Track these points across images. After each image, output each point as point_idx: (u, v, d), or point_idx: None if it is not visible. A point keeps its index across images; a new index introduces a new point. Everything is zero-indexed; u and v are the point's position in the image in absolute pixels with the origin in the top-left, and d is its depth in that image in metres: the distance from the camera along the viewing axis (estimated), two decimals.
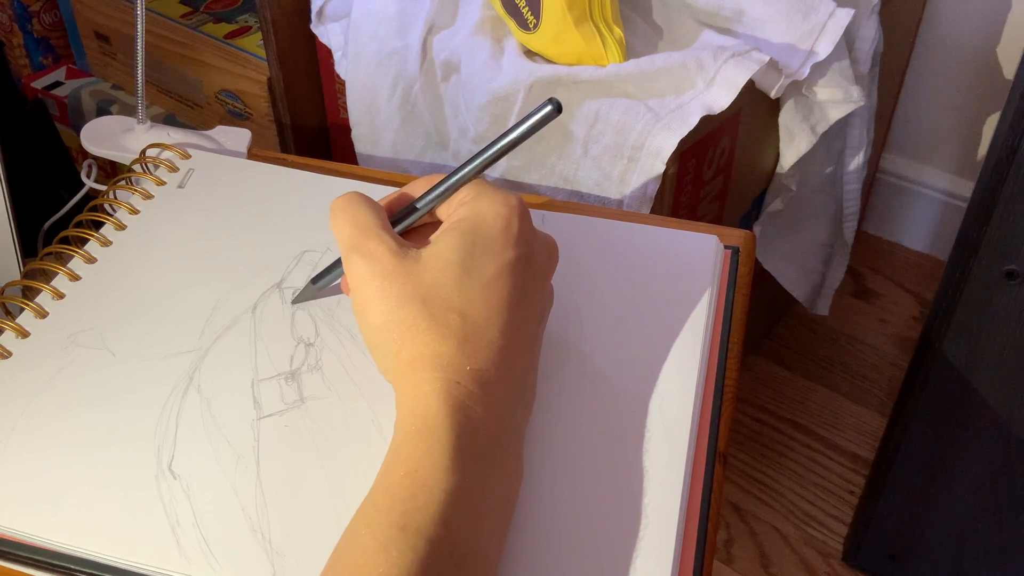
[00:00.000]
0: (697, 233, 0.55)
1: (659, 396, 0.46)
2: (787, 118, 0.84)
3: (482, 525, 0.37)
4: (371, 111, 0.89)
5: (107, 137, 0.66)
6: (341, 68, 0.93)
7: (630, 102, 0.73)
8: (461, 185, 0.44)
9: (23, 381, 0.47)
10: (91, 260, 0.53)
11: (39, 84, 1.22)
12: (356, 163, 0.94)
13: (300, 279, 0.52)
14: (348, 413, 0.45)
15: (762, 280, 0.99)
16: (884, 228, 1.39)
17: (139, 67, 0.64)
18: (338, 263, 0.49)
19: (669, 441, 0.44)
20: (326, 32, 0.94)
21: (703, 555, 0.41)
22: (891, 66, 1.09)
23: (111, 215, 0.56)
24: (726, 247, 0.54)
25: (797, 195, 0.92)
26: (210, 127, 0.68)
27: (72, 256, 0.53)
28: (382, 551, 0.34)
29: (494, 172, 0.79)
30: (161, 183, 0.58)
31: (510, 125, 0.44)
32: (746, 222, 0.93)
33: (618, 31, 0.75)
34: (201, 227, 0.56)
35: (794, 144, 0.85)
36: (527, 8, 0.75)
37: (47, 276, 0.52)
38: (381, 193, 0.47)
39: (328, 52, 0.96)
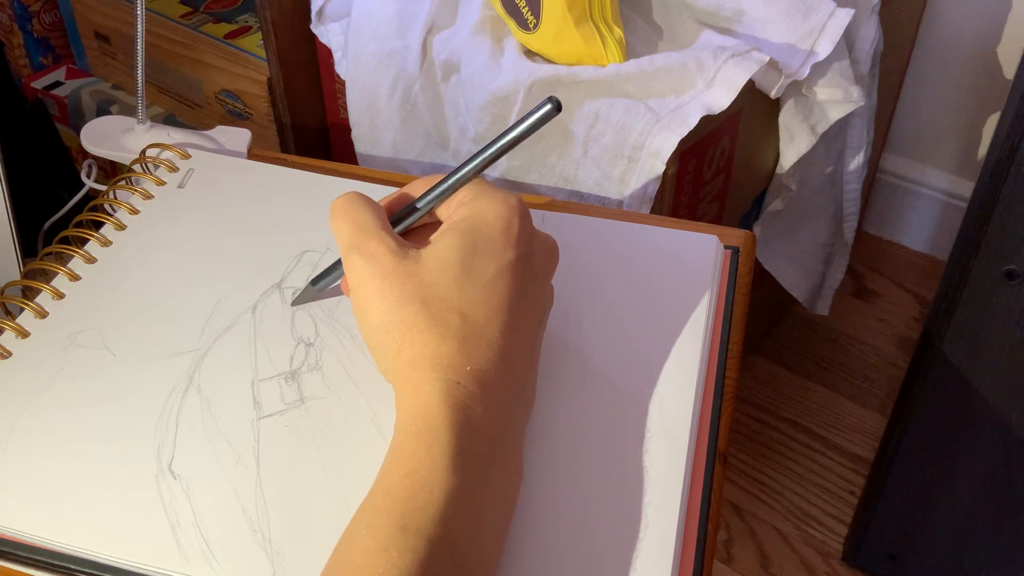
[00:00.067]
0: (697, 233, 0.55)
1: (659, 396, 0.46)
2: (787, 118, 0.84)
3: (482, 525, 0.37)
4: (371, 111, 0.89)
5: (107, 137, 0.66)
6: (341, 68, 0.93)
7: (630, 102, 0.73)
8: (461, 185, 0.44)
9: (23, 381, 0.47)
10: (91, 260, 0.53)
11: (39, 84, 1.22)
12: (356, 163, 0.94)
13: (300, 279, 0.52)
14: (348, 413, 0.45)
15: (762, 280, 0.99)
16: (884, 228, 1.39)
17: (139, 67, 0.64)
18: (338, 264, 0.49)
19: (669, 441, 0.44)
20: (326, 32, 0.94)
21: (703, 555, 0.41)
22: (891, 66, 1.09)
23: (111, 215, 0.56)
24: (726, 247, 0.54)
25: (797, 195, 0.92)
26: (210, 127, 0.68)
27: (72, 256, 0.53)
28: (382, 551, 0.34)
29: (494, 172, 0.79)
30: (161, 183, 0.58)
31: (510, 125, 0.44)
32: (746, 222, 0.93)
33: (618, 31, 0.75)
34: (201, 227, 0.56)
35: (794, 144, 0.85)
36: (527, 8, 0.75)
37: (47, 276, 0.52)
38: (381, 193, 0.47)
39: (328, 52, 0.96)
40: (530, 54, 0.79)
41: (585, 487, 0.42)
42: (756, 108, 0.81)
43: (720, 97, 0.72)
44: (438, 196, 0.44)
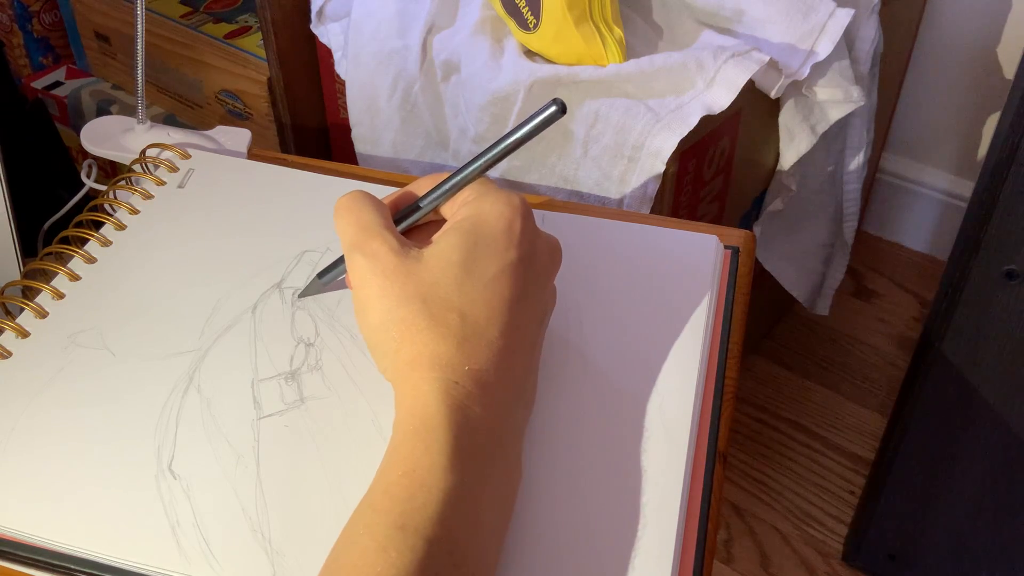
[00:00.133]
0: (697, 233, 0.55)
1: (659, 396, 0.46)
2: (787, 118, 0.84)
3: (481, 525, 0.37)
4: (371, 111, 0.89)
5: (107, 137, 0.66)
6: (341, 68, 0.93)
7: (630, 102, 0.73)
8: (465, 184, 0.44)
9: (23, 381, 0.47)
10: (91, 260, 0.53)
11: (39, 84, 1.22)
12: (356, 163, 0.94)
13: (300, 279, 0.52)
14: (348, 413, 0.45)
15: (762, 280, 0.99)
16: (884, 228, 1.39)
17: (139, 67, 0.64)
18: (342, 259, 0.49)
19: (669, 441, 0.44)
20: (326, 32, 0.94)
21: (703, 555, 0.41)
22: (891, 66, 1.09)
23: (111, 215, 0.56)
24: (726, 247, 0.54)
25: (797, 195, 0.92)
26: (210, 127, 0.68)
27: (72, 256, 0.53)
28: (381, 551, 0.34)
29: (494, 172, 0.79)
30: (161, 183, 0.58)
31: (510, 125, 0.44)
32: (746, 222, 0.93)
33: (618, 31, 0.75)
34: (201, 227, 0.56)
35: (794, 144, 0.85)
36: (527, 8, 0.75)
37: (47, 276, 0.52)
38: (382, 193, 0.47)
39: (328, 52, 0.96)
40: (530, 54, 0.79)
41: (585, 487, 0.42)
42: (756, 108, 0.81)
43: (720, 97, 0.72)
44: (441, 195, 0.44)
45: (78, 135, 0.66)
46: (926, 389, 0.82)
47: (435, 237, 0.42)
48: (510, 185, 0.78)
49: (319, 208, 0.55)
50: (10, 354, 0.48)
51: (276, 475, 0.43)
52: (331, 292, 0.51)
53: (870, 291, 1.33)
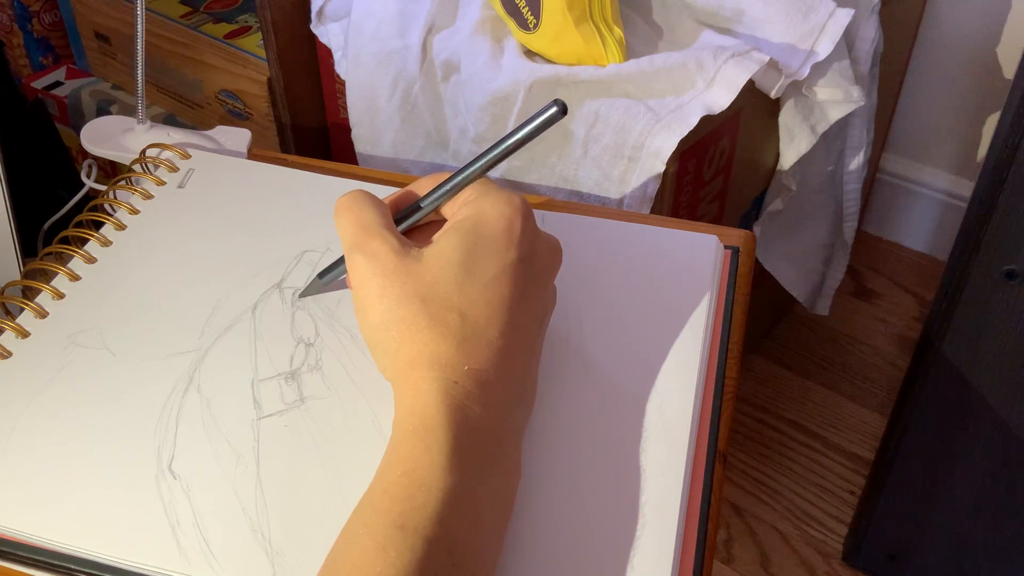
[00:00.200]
0: (697, 233, 0.55)
1: (659, 396, 0.46)
2: (787, 118, 0.84)
3: (480, 525, 0.37)
4: (371, 111, 0.89)
5: (107, 137, 0.66)
6: (341, 68, 0.93)
7: (630, 102, 0.73)
8: (466, 185, 0.44)
9: (23, 381, 0.47)
10: (91, 260, 0.53)
11: (39, 84, 1.22)
12: (356, 163, 0.94)
13: (300, 279, 0.52)
14: (348, 413, 0.45)
15: (762, 280, 0.99)
16: (884, 228, 1.39)
17: (139, 67, 0.64)
18: (343, 259, 0.49)
19: (669, 441, 0.44)
20: (326, 32, 0.94)
21: (703, 555, 0.41)
22: (891, 66, 1.09)
23: (111, 215, 0.56)
24: (726, 247, 0.54)
25: (797, 195, 0.92)
26: (210, 127, 0.68)
27: (72, 256, 0.53)
28: (380, 551, 0.34)
29: (494, 172, 0.79)
30: (161, 183, 0.58)
31: (510, 125, 0.44)
32: (746, 222, 0.93)
33: (618, 31, 0.75)
34: (201, 227, 0.56)
35: (794, 144, 0.85)
36: (527, 8, 0.75)
37: (47, 276, 0.52)
38: (381, 193, 0.47)
39: (328, 52, 0.96)
40: (530, 54, 0.79)
41: (584, 487, 0.42)
42: (756, 108, 0.81)
43: (720, 97, 0.72)
44: (442, 195, 0.44)
45: (78, 135, 0.66)
46: (926, 389, 0.82)
47: (435, 237, 0.42)
48: (510, 185, 0.78)
49: (319, 208, 0.55)
50: (10, 354, 0.48)
51: (276, 475, 0.43)
52: (331, 292, 0.51)
53: (870, 291, 1.33)
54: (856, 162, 0.93)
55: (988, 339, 0.76)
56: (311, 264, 0.53)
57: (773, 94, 0.78)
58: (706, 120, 0.72)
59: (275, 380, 0.47)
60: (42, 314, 0.50)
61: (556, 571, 0.40)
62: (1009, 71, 1.17)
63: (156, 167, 0.60)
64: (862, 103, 0.82)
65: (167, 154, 0.60)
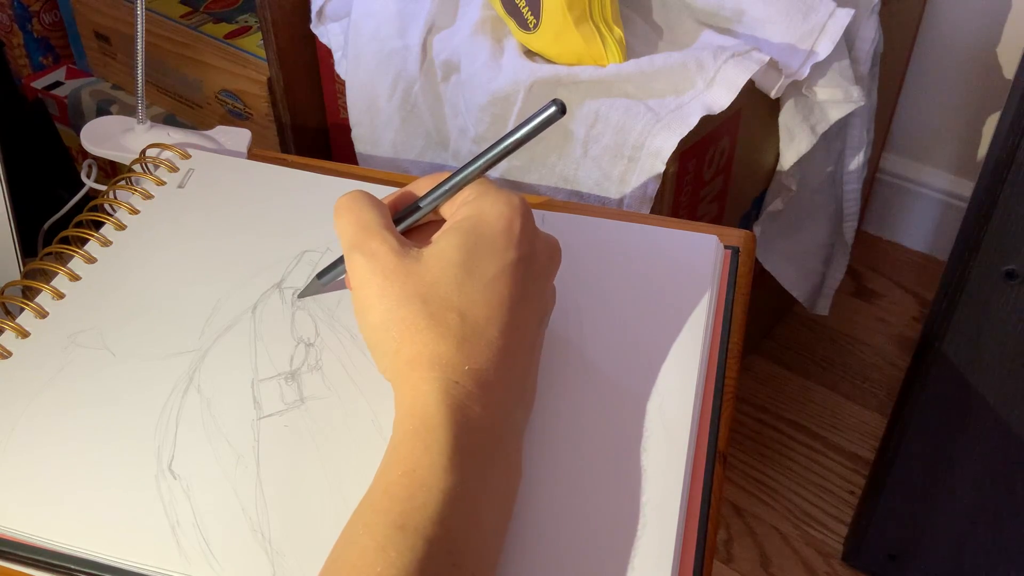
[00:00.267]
0: (697, 233, 0.55)
1: (659, 396, 0.46)
2: (787, 118, 0.84)
3: (481, 525, 0.37)
4: (371, 111, 0.89)
5: (107, 137, 0.66)
6: (341, 68, 0.93)
7: (630, 102, 0.73)
8: (465, 184, 0.44)
9: (23, 381, 0.47)
10: (91, 260, 0.53)
11: (39, 84, 1.22)
12: (356, 163, 0.94)
13: (300, 279, 0.52)
14: (348, 413, 0.45)
15: (762, 280, 0.99)
16: (884, 228, 1.39)
17: (139, 67, 0.64)
18: (342, 259, 0.49)
19: (669, 441, 0.44)
20: (326, 32, 0.94)
21: (703, 555, 0.41)
22: (891, 66, 1.09)
23: (111, 215, 0.56)
24: (726, 247, 0.54)
25: (797, 195, 0.92)
26: (210, 127, 0.68)
27: (72, 256, 0.53)
28: (380, 551, 0.34)
29: (494, 172, 0.79)
30: (161, 183, 0.58)
31: (510, 125, 0.44)
32: (746, 222, 0.93)
33: (618, 31, 0.75)
34: (201, 227, 0.56)
35: (794, 144, 0.85)
36: (527, 8, 0.75)
37: (47, 276, 0.52)
38: (382, 193, 0.47)
39: (328, 52, 0.96)
40: (530, 54, 0.79)
41: (585, 487, 0.42)
42: (756, 108, 0.81)
43: (720, 97, 0.72)
44: (441, 195, 0.44)
45: (78, 135, 0.66)
46: (926, 389, 0.82)
47: (435, 237, 0.42)
48: (510, 185, 0.78)
49: (319, 208, 0.55)
50: (10, 354, 0.48)
51: (276, 475, 0.43)
52: (331, 292, 0.51)
53: (870, 291, 1.33)
54: (856, 162, 0.93)
55: (988, 339, 0.76)
56: (311, 264, 0.53)
57: (773, 94, 0.78)
58: (706, 120, 0.72)
59: (275, 380, 0.47)
60: (42, 314, 0.50)
61: (556, 571, 0.40)
62: (1009, 71, 1.17)
63: (156, 167, 0.60)
64: (862, 103, 0.82)
65: (167, 154, 0.60)
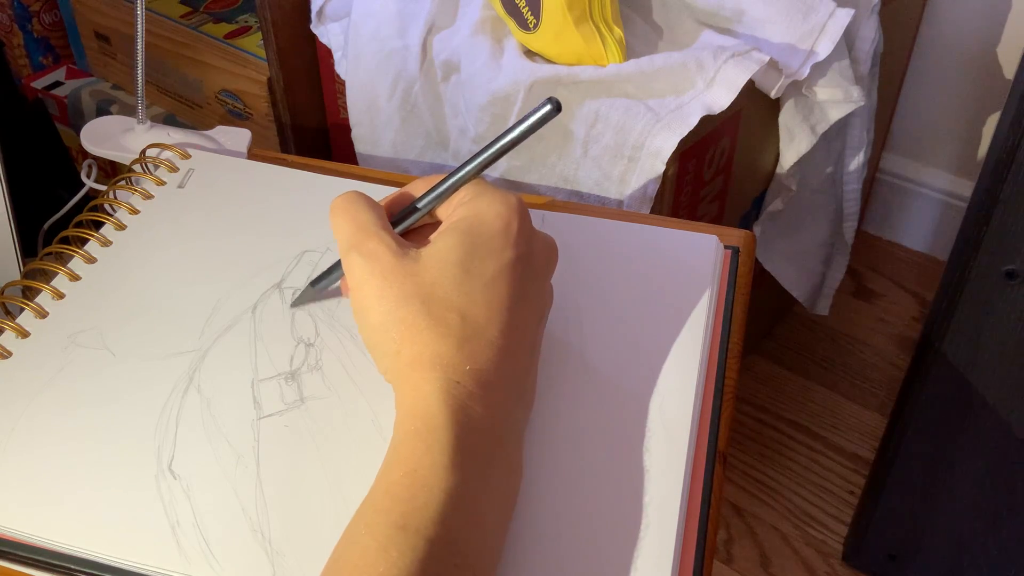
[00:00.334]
0: (697, 233, 0.55)
1: (659, 396, 0.46)
2: (787, 118, 0.84)
3: (482, 525, 0.37)
4: (371, 111, 0.89)
5: (107, 137, 0.66)
6: (341, 68, 0.93)
7: (630, 102, 0.73)
8: (461, 185, 0.44)
9: (23, 381, 0.47)
10: (91, 260, 0.53)
11: (39, 84, 1.22)
12: (356, 163, 0.94)
13: (300, 279, 0.52)
14: (348, 413, 0.45)
15: (762, 280, 0.99)
16: (884, 228, 1.39)
17: (139, 67, 0.64)
18: (337, 265, 0.49)
19: (669, 441, 0.44)
20: (326, 32, 0.95)
21: (703, 555, 0.41)
22: (891, 66, 1.09)
23: (111, 215, 0.56)
24: (726, 247, 0.54)
25: (797, 195, 0.92)
26: (210, 127, 0.68)
27: (72, 256, 0.53)
28: (382, 551, 0.34)
29: (494, 172, 0.79)
30: (161, 183, 0.58)
31: (510, 125, 0.44)
32: (746, 222, 0.93)
33: (618, 31, 0.75)
34: (201, 227, 0.56)
35: (794, 144, 0.85)
36: (527, 8, 0.75)
37: (47, 276, 0.52)
38: (381, 193, 0.47)
39: (328, 52, 0.96)
40: (530, 54, 0.79)
41: (585, 487, 0.42)
42: (756, 108, 0.81)
43: (720, 97, 0.72)
44: (438, 196, 0.44)
45: (78, 135, 0.66)
46: (926, 389, 0.82)
47: (433, 237, 0.42)
48: (510, 185, 0.78)
49: (319, 208, 0.55)
50: (10, 354, 0.48)
51: (276, 475, 0.43)
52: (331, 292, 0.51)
53: (870, 291, 1.33)
54: (856, 162, 0.93)
55: (988, 339, 0.76)
56: (311, 264, 0.53)
57: (773, 94, 0.78)
58: (706, 120, 0.72)
59: (275, 380, 0.47)
60: (42, 314, 0.50)
61: (556, 571, 0.40)
62: (1009, 71, 1.17)
63: (156, 167, 0.60)
64: (862, 103, 0.82)
65: (167, 154, 0.60)
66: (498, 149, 0.43)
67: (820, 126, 0.84)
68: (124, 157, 0.64)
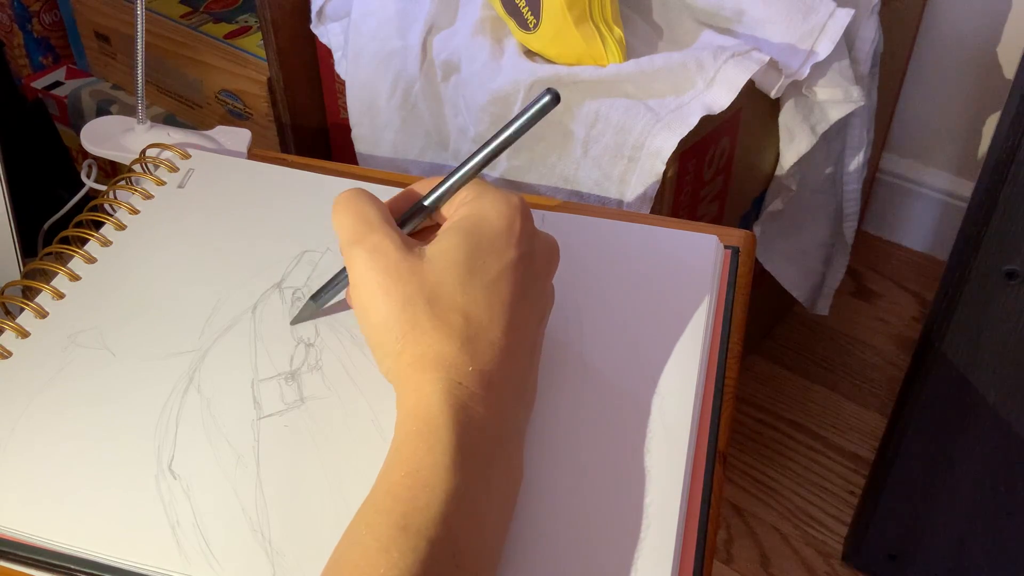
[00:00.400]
0: (697, 233, 0.55)
1: (659, 396, 0.46)
2: (787, 118, 0.84)
3: (483, 525, 0.37)
4: (371, 111, 0.89)
5: (107, 137, 0.66)
6: (341, 68, 0.93)
7: (630, 102, 0.73)
8: (466, 180, 0.43)
9: (23, 381, 0.47)
10: (91, 260, 0.53)
11: (39, 84, 1.22)
12: (356, 163, 0.94)
13: (300, 279, 0.52)
14: (348, 413, 0.45)
15: (762, 280, 0.99)
16: (884, 228, 1.39)
17: (139, 67, 0.64)
18: (336, 279, 0.48)
19: (669, 441, 0.44)
20: (326, 32, 0.94)
21: (703, 555, 0.41)
22: (891, 66, 1.09)
23: (111, 215, 0.56)
24: (726, 247, 0.54)
25: (797, 195, 0.92)
26: (210, 127, 0.68)
27: (72, 256, 0.53)
28: (383, 552, 0.34)
29: (493, 172, 0.79)
30: (161, 183, 0.58)
31: (509, 119, 0.44)
32: (746, 222, 0.93)
33: (618, 31, 0.75)
34: (201, 227, 0.56)
35: (794, 144, 0.85)
36: (527, 8, 0.75)
37: (47, 276, 0.52)
38: (381, 193, 0.47)
39: (328, 52, 0.96)
40: (530, 54, 0.79)
41: (585, 487, 0.42)
42: (756, 108, 0.81)
43: (720, 97, 0.72)
44: (444, 193, 0.44)
45: (78, 135, 0.66)
46: (926, 389, 0.82)
47: (437, 235, 0.42)
48: (510, 185, 0.78)
49: (319, 208, 0.55)
50: (10, 354, 0.48)
51: (276, 475, 0.43)
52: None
53: (870, 291, 1.33)
54: (856, 162, 0.93)
55: (988, 339, 0.76)
56: (311, 264, 0.53)
57: (773, 94, 0.78)
58: (706, 120, 0.72)
59: (275, 380, 0.47)
60: (42, 314, 0.50)
61: (556, 571, 0.40)
62: (1009, 71, 1.17)
63: (156, 167, 0.60)
64: (862, 103, 0.82)
65: (167, 154, 0.60)
66: (500, 144, 0.43)
67: (820, 126, 0.84)
68: (124, 157, 0.64)
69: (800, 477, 1.10)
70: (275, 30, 0.97)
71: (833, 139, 0.90)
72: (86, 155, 0.66)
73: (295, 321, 0.50)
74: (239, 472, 0.43)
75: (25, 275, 0.52)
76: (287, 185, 0.59)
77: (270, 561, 0.40)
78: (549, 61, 0.78)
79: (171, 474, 0.43)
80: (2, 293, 0.51)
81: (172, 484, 0.42)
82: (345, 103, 0.92)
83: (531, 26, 0.76)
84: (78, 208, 0.61)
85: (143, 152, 0.60)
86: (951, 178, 1.30)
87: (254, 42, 1.06)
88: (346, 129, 0.95)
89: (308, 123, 1.06)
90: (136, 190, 0.57)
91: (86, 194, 0.65)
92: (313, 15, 0.94)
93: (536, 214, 0.54)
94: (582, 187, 0.75)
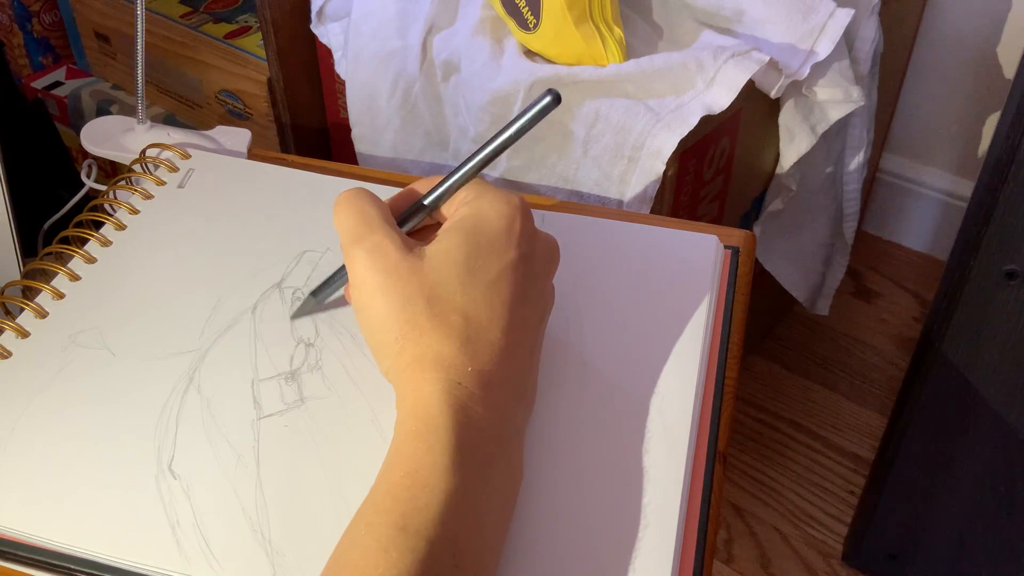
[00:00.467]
0: (697, 233, 0.55)
1: (659, 396, 0.46)
2: (787, 118, 0.84)
3: (483, 526, 0.37)
4: (371, 111, 0.89)
5: (107, 137, 0.66)
6: (341, 68, 0.93)
7: (630, 102, 0.73)
8: (466, 180, 0.43)
9: (23, 381, 0.47)
10: (91, 260, 0.53)
11: (39, 84, 1.22)
12: (356, 163, 0.94)
13: (300, 279, 0.52)
14: (348, 413, 0.45)
15: (762, 280, 0.99)
16: (884, 228, 1.39)
17: (139, 67, 0.64)
18: (337, 274, 0.48)
19: (669, 441, 0.44)
20: (326, 32, 0.94)
21: (703, 555, 0.41)
22: (891, 66, 1.09)
23: (111, 215, 0.56)
24: (726, 247, 0.54)
25: (797, 195, 0.92)
26: (210, 127, 0.68)
27: (72, 256, 0.53)
28: (382, 552, 0.34)
29: (493, 172, 0.79)
30: (161, 183, 0.58)
31: (510, 120, 0.44)
32: (746, 222, 0.93)
33: (618, 31, 0.75)
34: (201, 227, 0.56)
35: (794, 144, 0.85)
36: (527, 8, 0.75)
37: (47, 276, 0.52)
38: (382, 193, 0.47)
39: (328, 52, 0.96)
40: (530, 54, 0.79)
41: (585, 487, 0.42)
42: (756, 108, 0.81)
43: (720, 97, 0.72)
44: (444, 193, 0.44)
45: (78, 135, 0.66)
46: (926, 389, 0.82)
47: (437, 235, 0.42)
48: (510, 185, 0.78)
49: (319, 208, 0.55)
50: (10, 354, 0.48)
51: (276, 475, 0.43)
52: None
53: (870, 291, 1.33)
54: (856, 162, 0.93)
55: (988, 339, 0.76)
56: (311, 264, 0.53)
57: (773, 94, 0.78)
58: (706, 120, 0.72)
59: (275, 380, 0.47)
60: (42, 314, 0.50)
61: (556, 571, 0.40)
62: (1009, 71, 1.17)
63: (156, 167, 0.60)
64: (862, 103, 0.82)
65: (167, 154, 0.60)
66: (500, 144, 0.43)
67: (820, 126, 0.84)
68: (124, 157, 0.64)
69: (800, 477, 1.10)
70: (275, 30, 0.97)
71: (833, 139, 0.90)
72: (86, 155, 0.66)
73: (295, 316, 0.50)
74: (239, 472, 0.43)
75: (25, 275, 0.52)
76: (287, 185, 0.59)
77: (270, 561, 0.40)
78: (549, 61, 0.78)
79: (171, 474, 0.43)
80: (2, 293, 0.51)
81: (172, 484, 0.42)
82: (345, 103, 0.92)
83: (531, 26, 0.76)
84: (78, 208, 0.61)
85: (143, 152, 0.60)
86: (951, 178, 1.30)
87: (254, 42, 1.06)
88: (346, 129, 0.95)
89: (308, 123, 1.06)
90: (136, 190, 0.57)
91: (86, 194, 0.65)
92: (313, 15, 0.94)
93: (536, 214, 0.54)
94: (582, 187, 0.75)
